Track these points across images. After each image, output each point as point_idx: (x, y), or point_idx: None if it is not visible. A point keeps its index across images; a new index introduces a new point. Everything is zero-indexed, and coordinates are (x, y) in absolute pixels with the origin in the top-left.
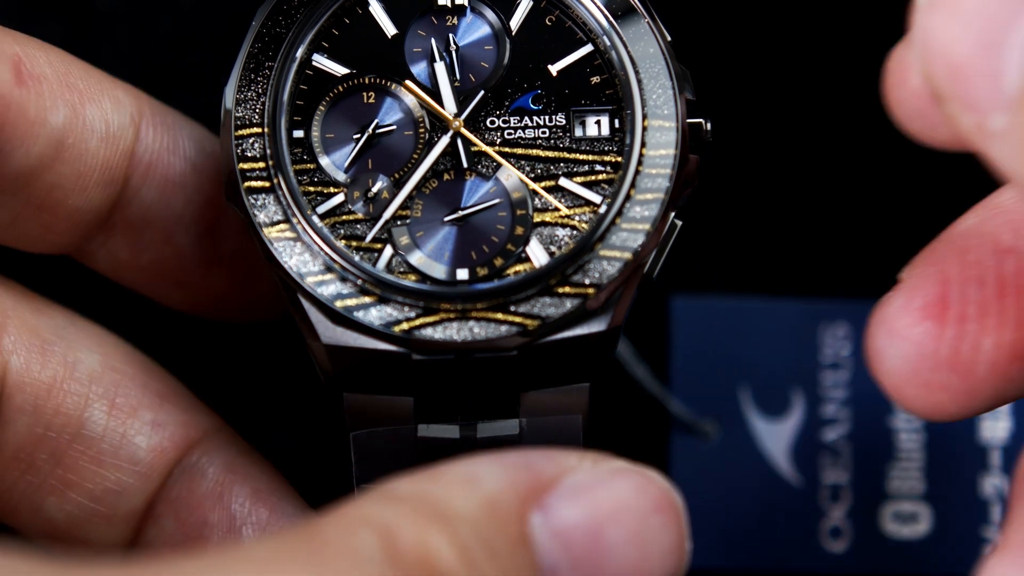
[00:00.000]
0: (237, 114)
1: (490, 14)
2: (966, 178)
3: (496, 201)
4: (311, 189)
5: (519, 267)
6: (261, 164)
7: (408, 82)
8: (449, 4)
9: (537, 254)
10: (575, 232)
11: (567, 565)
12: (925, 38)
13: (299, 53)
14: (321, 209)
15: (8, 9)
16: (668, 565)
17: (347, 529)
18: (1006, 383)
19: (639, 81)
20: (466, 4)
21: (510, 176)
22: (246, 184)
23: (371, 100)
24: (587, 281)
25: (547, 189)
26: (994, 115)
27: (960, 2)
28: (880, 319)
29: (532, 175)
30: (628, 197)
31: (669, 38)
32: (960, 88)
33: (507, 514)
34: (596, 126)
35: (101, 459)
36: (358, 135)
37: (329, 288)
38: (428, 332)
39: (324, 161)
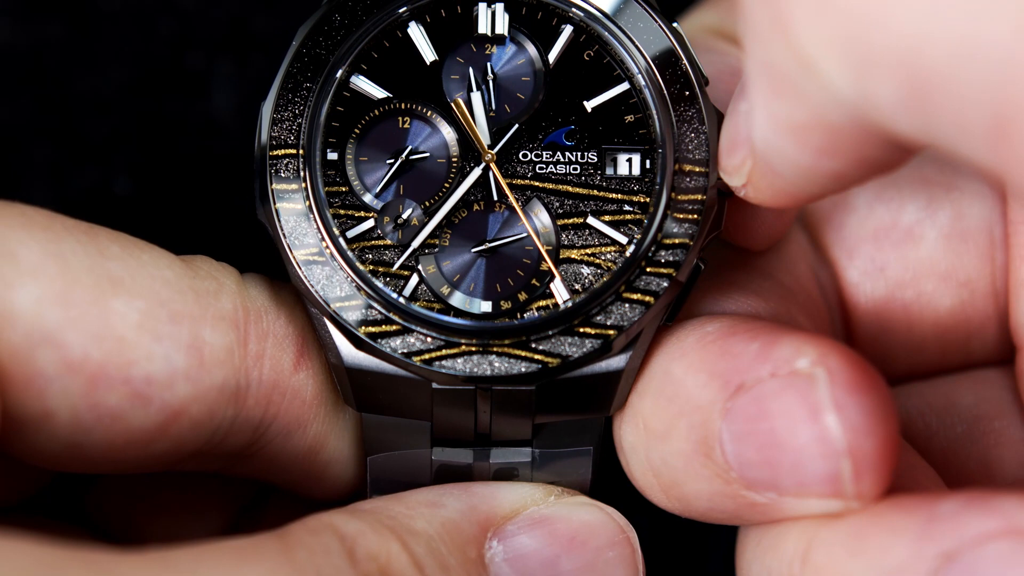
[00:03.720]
0: (273, 134)
1: (529, 46)
2: None
3: (523, 235)
4: (342, 212)
5: (542, 302)
6: (294, 186)
7: (459, 99)
8: (489, 33)
9: (560, 291)
10: (599, 270)
11: None
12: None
13: (339, 74)
14: (351, 233)
15: (8, 9)
16: None
17: (313, 532)
18: None
19: (672, 123)
20: (506, 34)
21: (538, 211)
22: (278, 205)
23: (406, 125)
24: (609, 322)
25: (574, 226)
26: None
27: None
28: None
29: (560, 211)
30: (655, 240)
31: (707, 80)
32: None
33: (465, 537)
34: (627, 165)
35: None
36: (391, 160)
37: (354, 314)
38: (449, 364)
39: (356, 185)
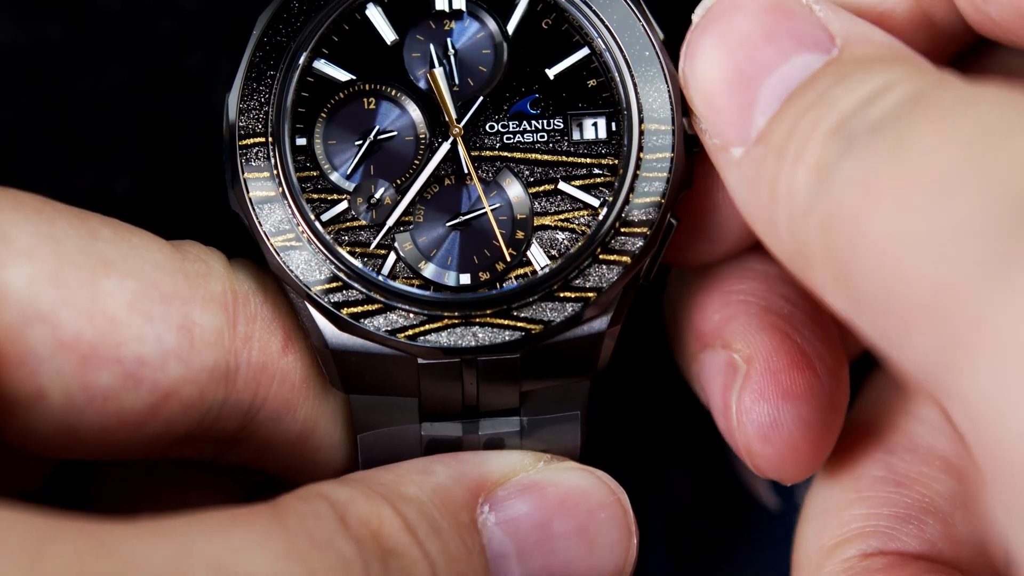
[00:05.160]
0: (241, 124)
1: (487, 18)
2: None
3: (496, 205)
4: (315, 196)
5: (520, 270)
6: (266, 173)
7: (434, 71)
8: (447, 9)
9: (537, 258)
10: (574, 235)
11: (515, 553)
12: (690, 57)
13: (301, 60)
14: (325, 216)
15: (8, 9)
16: (615, 557)
17: (305, 499)
18: None
19: (635, 84)
20: (463, 8)
21: (510, 181)
22: (252, 194)
23: (372, 106)
24: (588, 285)
25: (546, 193)
26: (734, 148)
27: (728, 32)
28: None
29: (531, 179)
30: (627, 201)
31: (663, 38)
32: (710, 114)
33: (457, 502)
34: (593, 129)
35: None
36: (360, 141)
37: (335, 296)
38: (433, 338)
39: (327, 168)
